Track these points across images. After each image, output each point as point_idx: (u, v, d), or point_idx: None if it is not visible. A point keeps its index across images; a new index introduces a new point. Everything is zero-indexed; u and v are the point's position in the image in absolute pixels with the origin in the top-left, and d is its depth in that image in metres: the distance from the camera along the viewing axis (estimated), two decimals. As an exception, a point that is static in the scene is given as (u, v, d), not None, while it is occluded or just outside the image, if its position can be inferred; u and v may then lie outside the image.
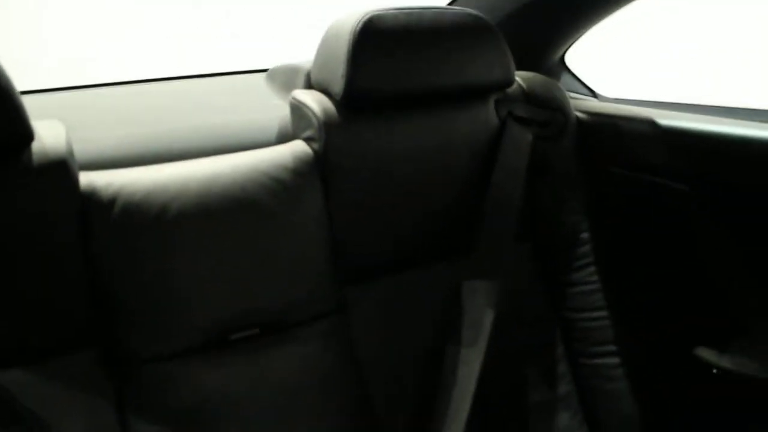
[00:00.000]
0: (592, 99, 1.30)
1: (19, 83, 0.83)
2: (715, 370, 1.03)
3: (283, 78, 1.24)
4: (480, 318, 1.01)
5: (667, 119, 1.10)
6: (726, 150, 1.02)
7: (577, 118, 1.19)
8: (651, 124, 1.11)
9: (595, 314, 1.13)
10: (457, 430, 0.96)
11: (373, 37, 0.97)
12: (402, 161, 1.04)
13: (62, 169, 0.85)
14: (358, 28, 0.96)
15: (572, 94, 1.27)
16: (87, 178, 0.89)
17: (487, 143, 1.10)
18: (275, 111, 1.14)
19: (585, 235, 1.15)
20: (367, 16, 0.97)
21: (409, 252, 1.07)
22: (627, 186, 1.15)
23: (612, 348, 1.13)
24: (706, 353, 1.05)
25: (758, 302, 1.03)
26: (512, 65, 1.08)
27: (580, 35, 1.26)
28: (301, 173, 0.98)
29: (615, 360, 1.12)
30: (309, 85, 1.12)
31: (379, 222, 1.04)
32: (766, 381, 0.99)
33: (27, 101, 0.83)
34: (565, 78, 1.33)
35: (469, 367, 0.98)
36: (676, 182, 1.08)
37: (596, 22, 1.22)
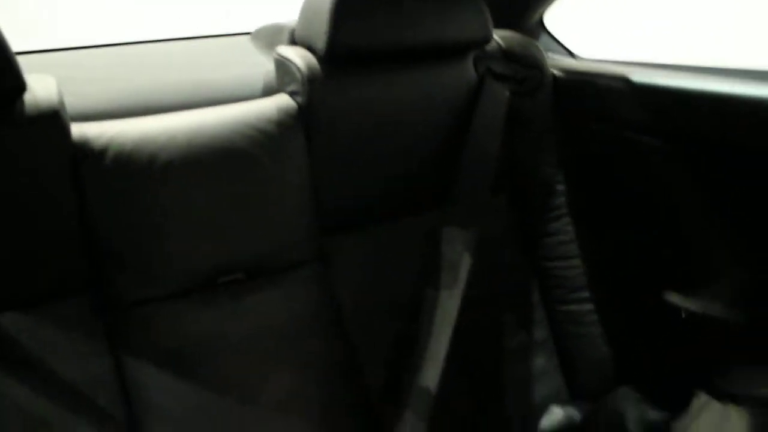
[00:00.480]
0: (569, 58, 1.33)
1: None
2: (683, 313, 1.08)
3: (268, 37, 1.26)
4: (457, 266, 1.05)
5: (641, 76, 1.14)
6: (697, 105, 1.06)
7: (554, 75, 1.22)
8: (625, 81, 1.14)
9: (570, 263, 1.18)
10: (434, 373, 1.00)
11: None
12: (383, 115, 1.07)
13: (54, 119, 0.88)
14: None
15: (550, 54, 1.30)
16: (78, 129, 0.92)
17: (466, 98, 1.13)
18: (260, 67, 1.17)
19: (560, 188, 1.20)
20: None
21: (389, 203, 1.10)
22: (601, 141, 1.18)
23: (586, 294, 1.18)
24: (675, 297, 1.09)
25: (724, 250, 1.07)
26: (490, 22, 1.11)
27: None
28: (285, 125, 1.01)
29: (589, 306, 1.17)
30: (293, 43, 1.15)
31: (360, 174, 1.07)
32: (730, 322, 1.04)
33: (18, 60, 0.85)
34: (544, 38, 1.36)
35: (447, 313, 1.03)
36: (648, 137, 1.12)
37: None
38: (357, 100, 1.05)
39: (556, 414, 1.16)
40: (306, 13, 1.08)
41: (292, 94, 1.05)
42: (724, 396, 1.07)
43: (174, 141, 0.95)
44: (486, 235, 1.10)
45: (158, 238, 0.94)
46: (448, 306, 1.03)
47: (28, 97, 0.87)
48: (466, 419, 1.09)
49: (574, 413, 1.16)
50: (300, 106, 1.03)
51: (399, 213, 1.11)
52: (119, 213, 0.93)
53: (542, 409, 1.15)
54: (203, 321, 0.96)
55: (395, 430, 0.99)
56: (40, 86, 0.89)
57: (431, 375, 1.00)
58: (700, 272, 1.09)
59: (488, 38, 1.12)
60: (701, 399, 1.09)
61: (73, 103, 0.96)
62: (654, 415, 1.13)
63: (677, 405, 1.11)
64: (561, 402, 1.17)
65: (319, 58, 1.04)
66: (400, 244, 1.09)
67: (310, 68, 1.03)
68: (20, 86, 0.85)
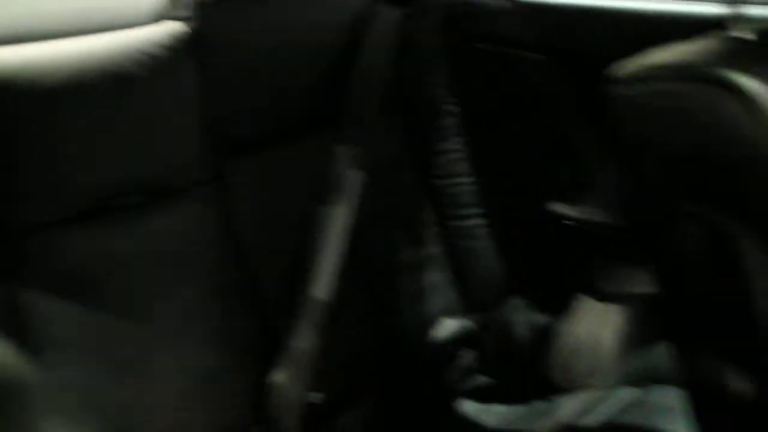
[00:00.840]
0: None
1: None
2: (565, 221, 1.14)
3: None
4: (350, 184, 1.07)
5: None
6: (577, 21, 1.11)
7: None
8: (510, 0, 1.18)
9: (460, 180, 1.22)
10: (327, 286, 1.03)
11: None
12: (275, 39, 1.07)
13: None
14: None
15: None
16: None
17: (357, 21, 1.14)
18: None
19: (451, 108, 1.22)
20: None
21: (284, 124, 1.11)
22: (490, 60, 1.22)
23: (476, 210, 1.22)
24: (558, 207, 1.15)
25: (601, 159, 1.13)
26: None
27: None
28: (176, 50, 0.99)
29: (479, 221, 1.22)
30: None
31: (254, 98, 1.07)
32: (604, 224, 1.10)
33: None
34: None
35: (339, 229, 1.05)
36: (533, 54, 1.16)
37: None
38: (248, 24, 1.05)
39: (448, 325, 1.20)
40: None
41: (181, 19, 1.04)
42: (604, 296, 1.15)
43: (60, 66, 0.91)
44: (378, 154, 1.12)
45: (48, 163, 0.91)
46: (341, 223, 1.05)
47: None
48: (359, 331, 1.13)
49: (467, 324, 1.21)
50: (191, 31, 1.02)
51: (294, 134, 1.11)
52: (6, 137, 0.90)
53: (436, 322, 1.20)
54: (100, 245, 0.95)
55: (290, 341, 1.01)
56: None
57: (324, 288, 1.02)
58: (580, 181, 1.15)
59: None
60: (584, 300, 1.16)
61: None
62: (542, 319, 1.20)
63: (564, 309, 1.18)
64: (454, 314, 1.21)
65: None
66: (295, 164, 1.10)
67: None
68: None
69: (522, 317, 1.20)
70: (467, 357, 1.22)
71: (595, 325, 1.14)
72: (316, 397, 1.05)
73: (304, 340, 1.01)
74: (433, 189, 1.22)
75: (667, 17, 0.97)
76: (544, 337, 1.17)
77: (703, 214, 0.58)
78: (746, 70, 0.56)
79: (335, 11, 1.12)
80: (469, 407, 1.17)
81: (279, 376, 1.01)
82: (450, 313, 1.21)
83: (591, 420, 1.06)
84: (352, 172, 1.09)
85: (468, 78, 1.24)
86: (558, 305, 1.17)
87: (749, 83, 0.55)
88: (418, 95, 1.22)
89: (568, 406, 1.10)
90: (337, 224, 1.06)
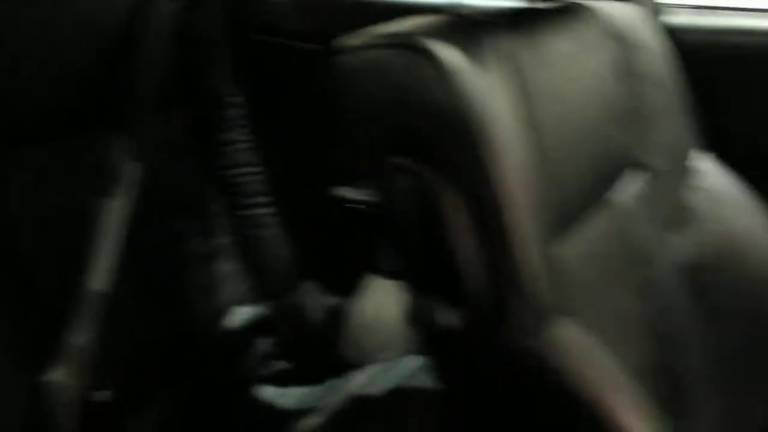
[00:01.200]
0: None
1: None
2: (348, 204, 1.19)
3: None
4: (129, 176, 1.06)
5: None
6: (345, 11, 1.17)
7: None
8: None
9: (246, 170, 1.23)
10: (107, 281, 1.01)
11: None
12: (45, 31, 1.03)
13: None
14: None
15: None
16: None
17: (133, 12, 1.12)
18: None
19: (234, 99, 1.24)
20: None
21: (59, 119, 1.07)
22: (271, 51, 1.25)
23: (263, 199, 1.24)
24: (339, 191, 1.20)
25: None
26: None
27: None
28: None
29: (267, 209, 1.24)
30: None
31: (25, 91, 1.03)
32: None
33: None
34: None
35: (119, 223, 1.03)
36: (310, 44, 1.20)
37: None
38: (14, 16, 1.01)
39: (242, 314, 1.22)
40: None
41: None
42: (388, 273, 1.20)
43: None
44: (161, 147, 1.11)
45: None
46: (119, 215, 1.04)
47: None
48: (143, 324, 1.11)
49: (261, 311, 1.23)
50: None
51: (70, 128, 1.08)
52: None
53: (228, 312, 1.21)
54: None
55: (67, 337, 0.98)
56: None
57: (102, 281, 1.00)
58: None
59: None
60: (370, 279, 1.22)
61: None
62: (332, 301, 1.24)
63: (353, 289, 1.23)
64: (247, 303, 1.23)
65: None
66: (72, 158, 1.06)
67: None
68: None
69: (314, 301, 1.24)
70: (263, 344, 1.24)
71: (382, 302, 1.20)
72: (101, 395, 1.03)
73: (81, 335, 0.99)
74: (221, 180, 1.23)
75: (414, 6, 1.05)
76: (335, 318, 1.22)
77: (410, 167, 0.64)
78: (445, 40, 0.63)
79: (109, 3, 1.10)
80: (267, 393, 1.19)
81: (56, 374, 0.98)
82: (243, 302, 1.23)
83: (378, 388, 1.11)
84: (132, 164, 1.07)
85: (251, 69, 1.26)
86: (348, 286, 1.22)
87: (444, 51, 0.62)
88: (200, 87, 1.22)
89: (358, 379, 1.14)
90: (115, 217, 1.04)
